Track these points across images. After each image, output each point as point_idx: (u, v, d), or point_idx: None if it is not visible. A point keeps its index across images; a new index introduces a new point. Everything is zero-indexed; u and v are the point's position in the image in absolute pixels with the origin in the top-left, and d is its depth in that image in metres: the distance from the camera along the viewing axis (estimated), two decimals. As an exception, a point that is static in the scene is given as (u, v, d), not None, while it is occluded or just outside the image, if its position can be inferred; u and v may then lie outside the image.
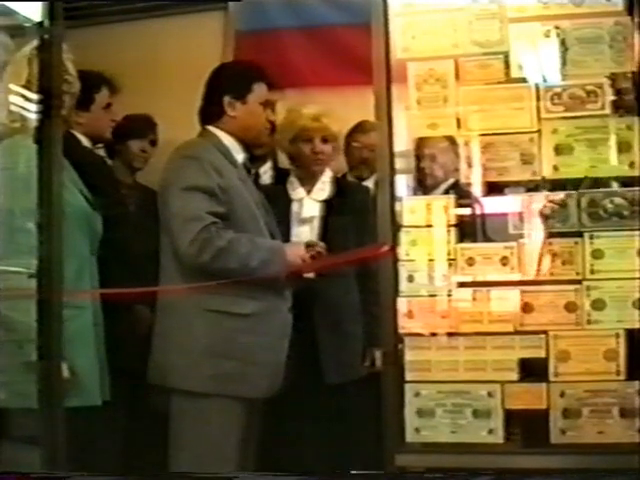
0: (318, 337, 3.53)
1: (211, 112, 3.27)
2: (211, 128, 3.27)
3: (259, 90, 3.27)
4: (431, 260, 2.74)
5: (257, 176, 3.63)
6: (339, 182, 3.79)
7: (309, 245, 3.22)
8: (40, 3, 2.85)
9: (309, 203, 3.70)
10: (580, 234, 2.64)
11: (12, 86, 2.97)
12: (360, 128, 4.14)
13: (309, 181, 3.72)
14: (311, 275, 3.48)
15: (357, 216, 3.55)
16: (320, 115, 3.66)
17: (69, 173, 3.12)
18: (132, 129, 3.94)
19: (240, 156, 3.26)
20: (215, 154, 3.19)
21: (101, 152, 3.69)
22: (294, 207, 3.69)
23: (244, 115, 3.24)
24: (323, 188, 3.71)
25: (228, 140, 3.24)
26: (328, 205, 3.69)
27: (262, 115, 3.29)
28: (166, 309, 3.18)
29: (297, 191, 3.72)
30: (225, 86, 3.26)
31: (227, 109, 3.24)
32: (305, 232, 3.62)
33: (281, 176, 3.95)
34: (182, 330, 3.11)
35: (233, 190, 3.14)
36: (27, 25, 2.89)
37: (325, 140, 3.67)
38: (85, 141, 3.46)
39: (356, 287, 3.63)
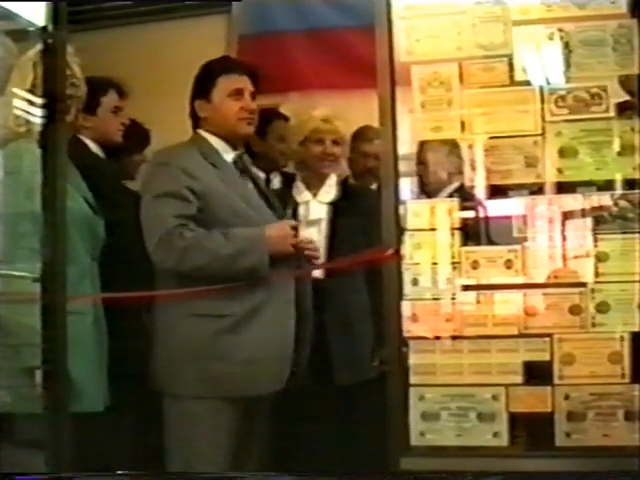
0: (328, 337, 3.53)
1: (192, 118, 3.31)
2: (200, 131, 3.29)
3: (225, 82, 3.23)
4: (435, 263, 2.74)
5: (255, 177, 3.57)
6: (345, 185, 3.81)
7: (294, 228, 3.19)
8: (44, 8, 2.85)
9: (315, 206, 3.70)
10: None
11: (16, 90, 2.97)
12: (363, 136, 4.13)
13: (315, 184, 3.73)
14: (318, 275, 3.50)
15: (364, 218, 3.55)
16: (331, 117, 3.68)
17: (72, 178, 3.11)
18: (136, 143, 3.94)
19: (230, 155, 3.25)
20: (190, 157, 3.18)
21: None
22: (301, 210, 3.69)
23: (213, 113, 3.24)
24: (329, 191, 3.73)
25: (215, 141, 3.25)
26: (335, 207, 3.70)
27: (233, 106, 3.22)
28: (157, 315, 3.21)
29: (303, 194, 3.73)
30: (193, 90, 3.28)
31: (199, 112, 3.26)
32: (313, 234, 3.61)
33: (287, 180, 3.97)
34: (168, 335, 3.15)
35: (212, 191, 3.13)
36: (31, 29, 2.89)
37: (335, 142, 3.68)
38: (93, 146, 3.46)
39: (364, 286, 3.64)
